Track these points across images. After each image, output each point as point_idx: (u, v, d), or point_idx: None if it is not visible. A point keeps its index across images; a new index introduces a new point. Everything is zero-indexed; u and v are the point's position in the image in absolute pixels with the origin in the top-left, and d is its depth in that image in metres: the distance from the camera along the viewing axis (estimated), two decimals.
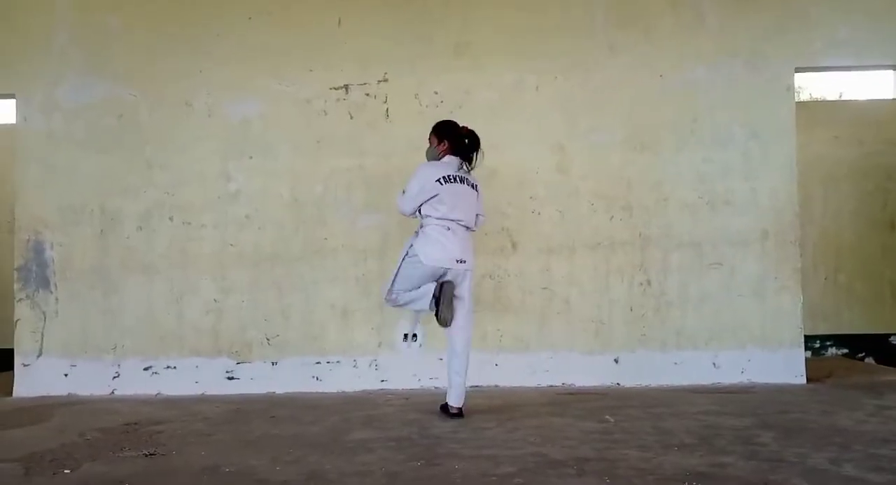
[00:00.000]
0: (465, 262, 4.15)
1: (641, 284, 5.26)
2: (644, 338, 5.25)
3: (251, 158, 5.34)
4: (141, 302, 5.29)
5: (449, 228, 4.13)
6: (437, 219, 4.13)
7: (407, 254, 4.16)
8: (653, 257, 5.26)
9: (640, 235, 5.27)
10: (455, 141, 4.26)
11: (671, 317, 5.24)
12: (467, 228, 4.21)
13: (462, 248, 4.15)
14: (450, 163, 4.23)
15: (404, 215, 4.29)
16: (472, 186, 4.23)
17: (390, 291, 4.21)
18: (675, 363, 5.22)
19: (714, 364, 5.23)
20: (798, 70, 5.38)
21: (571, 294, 5.26)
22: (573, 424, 3.95)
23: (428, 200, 4.11)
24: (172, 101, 5.36)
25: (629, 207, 5.27)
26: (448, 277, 4.13)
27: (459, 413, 4.16)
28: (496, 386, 5.23)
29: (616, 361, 5.25)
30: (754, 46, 5.32)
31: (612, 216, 5.27)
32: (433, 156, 4.30)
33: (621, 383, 5.22)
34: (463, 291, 4.20)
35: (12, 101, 5.52)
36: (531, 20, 5.34)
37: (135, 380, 5.25)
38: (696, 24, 5.34)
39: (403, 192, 4.22)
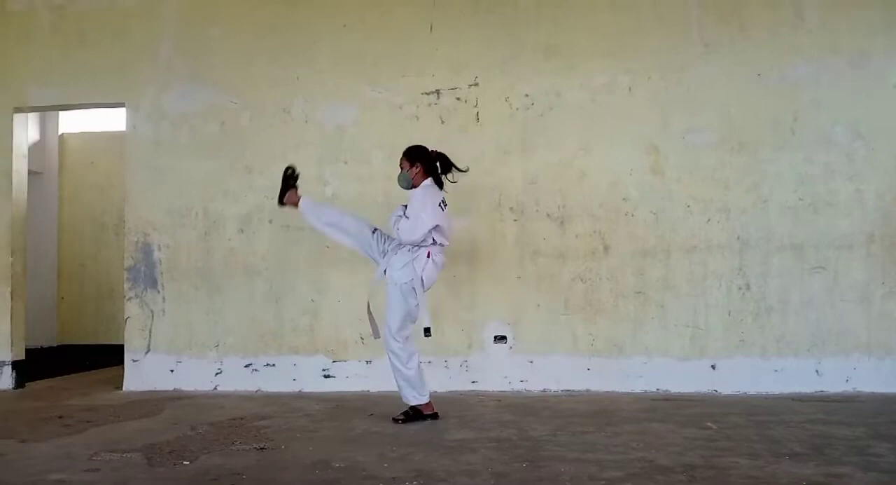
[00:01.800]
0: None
1: (740, 288, 5.13)
2: (742, 344, 5.12)
3: (346, 162, 5.48)
4: (242, 302, 5.50)
5: (439, 250, 4.27)
6: (440, 245, 4.24)
7: (406, 288, 4.19)
8: (752, 261, 5.12)
9: (738, 237, 5.14)
10: (428, 164, 4.29)
11: (771, 322, 5.09)
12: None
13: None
14: (437, 188, 4.27)
15: (410, 242, 4.19)
16: (446, 207, 4.30)
17: (402, 329, 4.25)
18: (776, 370, 5.07)
19: (817, 372, 5.05)
20: None
21: (666, 298, 5.17)
22: (675, 430, 3.90)
23: (435, 226, 4.17)
24: (271, 108, 5.55)
25: (726, 208, 5.15)
26: None
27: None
28: (588, 390, 5.19)
29: (713, 367, 5.13)
30: (857, 43, 5.12)
31: (709, 219, 5.16)
32: (406, 180, 4.30)
33: (718, 390, 5.10)
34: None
35: (122, 110, 5.83)
36: (623, 20, 5.29)
37: (236, 376, 5.46)
38: (795, 20, 5.17)
39: (407, 217, 4.20)
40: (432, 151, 4.36)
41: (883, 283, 5.02)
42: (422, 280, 4.19)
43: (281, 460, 3.37)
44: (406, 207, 4.29)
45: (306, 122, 5.55)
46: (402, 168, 4.34)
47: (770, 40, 5.18)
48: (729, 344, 5.12)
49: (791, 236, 5.09)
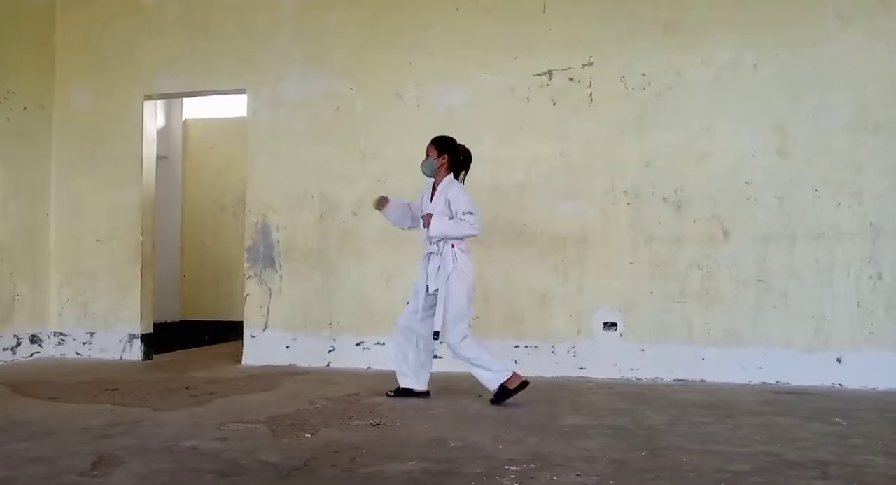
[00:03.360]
0: None
1: (871, 277, 4.82)
2: (872, 336, 4.81)
3: None
4: (354, 282, 5.65)
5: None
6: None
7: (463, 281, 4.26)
8: (885, 249, 4.80)
9: (870, 224, 4.82)
10: (454, 157, 4.31)
11: None
12: None
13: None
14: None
15: (476, 235, 4.32)
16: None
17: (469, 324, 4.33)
18: None
19: None
20: None
21: (790, 287, 4.92)
22: (801, 424, 3.71)
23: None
24: (384, 93, 5.64)
25: (858, 193, 4.84)
26: None
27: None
28: (703, 381, 5.03)
29: (839, 360, 4.85)
30: None
31: (839, 203, 4.86)
32: (431, 168, 4.35)
33: (844, 384, 4.82)
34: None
35: (240, 97, 6.07)
36: None
37: (348, 354, 5.62)
38: None
39: (472, 213, 4.26)
40: (460, 145, 4.38)
41: None
42: (470, 272, 4.36)
43: (398, 437, 3.44)
44: (436, 200, 4.34)
45: (418, 106, 5.60)
46: (428, 155, 4.40)
47: None
48: (857, 336, 4.82)
49: None
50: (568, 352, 5.31)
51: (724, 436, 3.45)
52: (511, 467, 2.91)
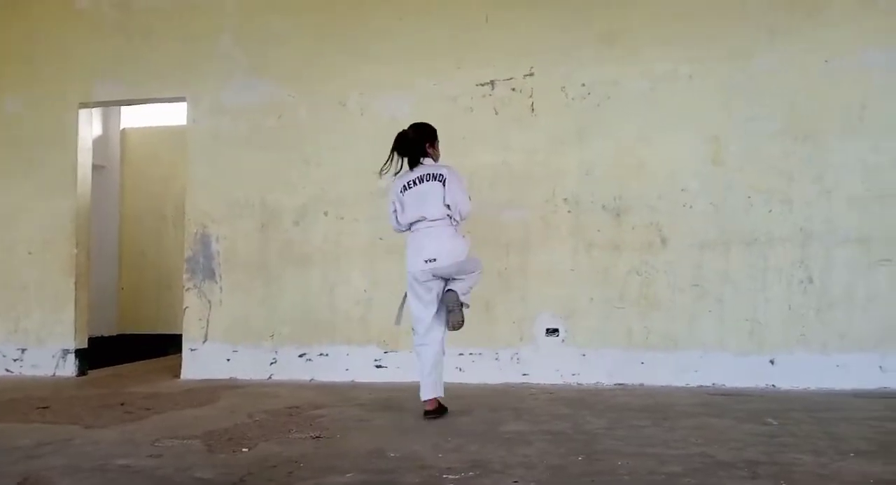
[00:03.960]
0: (434, 259, 4.01)
1: (801, 282, 4.98)
2: (803, 339, 4.97)
3: None
4: (297, 292, 5.58)
5: (417, 231, 4.12)
6: (407, 228, 4.16)
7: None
8: (815, 254, 4.97)
9: (801, 230, 4.98)
10: (398, 150, 4.16)
11: (834, 317, 4.93)
12: (439, 221, 4.06)
13: (435, 247, 4.03)
14: (407, 171, 4.16)
15: (399, 232, 4.30)
16: (436, 177, 4.07)
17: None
18: (838, 366, 4.91)
19: (881, 368, 4.87)
20: None
21: (725, 292, 5.05)
22: (734, 425, 3.81)
23: (399, 212, 4.15)
24: (328, 101, 5.61)
25: (789, 200, 5.00)
26: (434, 281, 4.09)
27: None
28: (642, 385, 5.11)
29: (772, 362, 5.00)
30: None
31: (771, 210, 5.01)
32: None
33: (777, 386, 4.97)
34: (454, 276, 4.08)
35: (182, 105, 5.97)
36: (685, 6, 5.17)
37: (290, 366, 5.55)
38: (866, 4, 4.97)
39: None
40: (400, 132, 4.26)
41: None
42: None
43: (337, 449, 3.41)
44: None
45: (362, 114, 5.58)
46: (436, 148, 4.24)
47: (839, 25, 4.99)
48: (789, 339, 4.98)
49: (857, 229, 4.92)
50: (511, 358, 5.34)
51: (660, 438, 3.52)
52: (449, 476, 2.90)
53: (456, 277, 4.12)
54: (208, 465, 3.15)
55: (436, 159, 4.26)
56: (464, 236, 4.16)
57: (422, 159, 4.19)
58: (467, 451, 3.31)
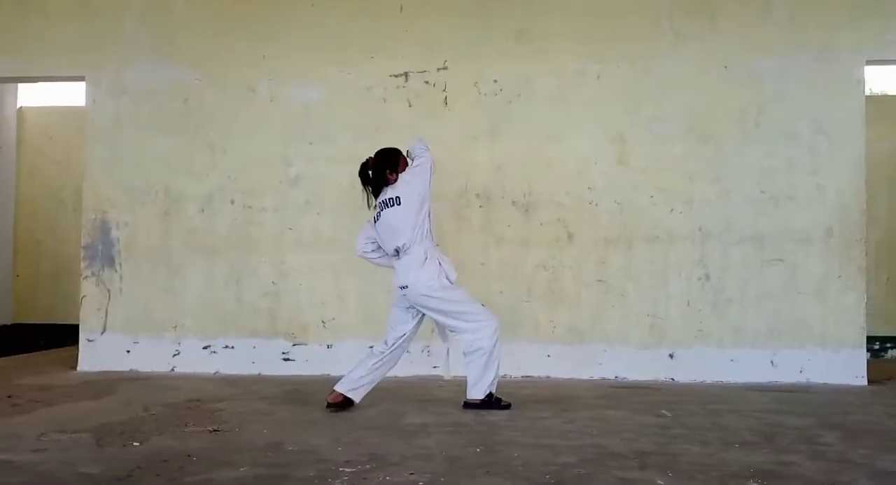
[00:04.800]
0: (406, 286, 4.02)
1: (700, 279, 5.18)
2: (701, 334, 5.18)
3: (311, 143, 5.40)
4: (202, 283, 5.42)
5: (392, 258, 4.11)
6: (394, 255, 4.10)
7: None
8: (712, 252, 5.18)
9: (699, 228, 5.18)
10: (364, 182, 4.16)
11: (729, 313, 5.16)
12: (413, 246, 4.01)
13: (404, 272, 4.03)
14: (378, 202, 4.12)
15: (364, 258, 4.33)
16: (395, 202, 4.02)
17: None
18: (732, 360, 5.14)
19: (772, 363, 5.13)
20: (869, 63, 5.22)
21: (627, 287, 5.20)
22: (630, 417, 3.93)
23: (380, 243, 4.14)
24: (236, 86, 5.45)
25: (690, 200, 5.19)
26: (414, 308, 4.10)
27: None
28: (548, 377, 5.21)
29: (671, 356, 5.19)
30: (824, 38, 5.17)
31: (672, 209, 5.19)
32: None
33: (675, 379, 5.16)
34: (430, 313, 4.06)
35: (83, 84, 5.68)
36: (595, 7, 5.28)
37: (194, 358, 5.38)
38: (763, 14, 5.21)
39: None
40: (362, 163, 4.19)
41: (839, 276, 5.10)
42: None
43: (234, 443, 3.33)
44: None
45: (272, 101, 5.46)
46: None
47: (738, 33, 5.21)
48: (687, 334, 5.17)
49: (752, 229, 5.15)
50: (422, 351, 5.33)
51: (558, 430, 3.60)
52: (346, 469, 2.88)
53: (442, 321, 4.08)
54: (95, 460, 3.03)
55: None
56: (440, 263, 4.02)
57: (384, 188, 4.10)
58: (367, 444, 3.29)
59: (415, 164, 4.14)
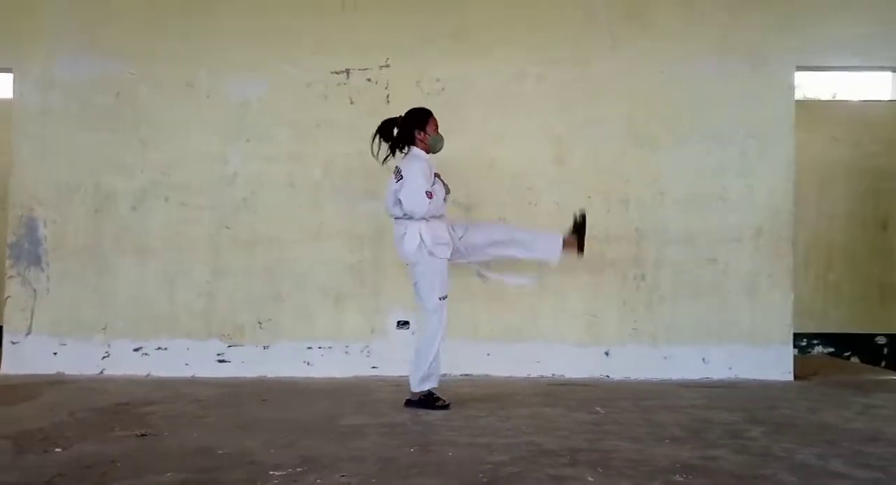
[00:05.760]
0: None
1: (635, 278, 5.28)
2: (635, 332, 5.28)
3: (249, 140, 5.30)
4: (133, 282, 5.26)
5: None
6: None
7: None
8: (648, 252, 5.28)
9: (635, 229, 5.28)
10: (384, 137, 4.23)
11: (663, 312, 5.27)
12: (398, 219, 4.18)
13: (397, 242, 4.21)
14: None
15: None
16: (396, 172, 4.16)
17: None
18: (665, 358, 5.25)
19: (703, 360, 5.26)
20: (799, 69, 5.40)
21: (565, 287, 5.26)
22: (565, 414, 3.98)
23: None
24: (171, 81, 5.31)
25: (626, 200, 5.28)
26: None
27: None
28: (487, 376, 5.24)
29: (607, 354, 5.27)
30: (755, 44, 5.33)
31: (609, 210, 5.27)
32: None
33: (611, 376, 5.24)
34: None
35: (9, 76, 5.46)
36: (535, 9, 5.32)
37: (125, 360, 5.23)
38: (697, 19, 5.33)
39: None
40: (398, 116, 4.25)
41: (769, 275, 5.26)
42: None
43: (161, 447, 3.25)
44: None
45: (208, 96, 5.34)
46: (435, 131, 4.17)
47: (673, 38, 5.32)
48: (622, 332, 5.26)
49: (685, 229, 5.27)
50: (361, 351, 5.31)
51: (494, 428, 3.62)
52: (276, 472, 2.84)
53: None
54: (13, 467, 2.92)
55: (425, 147, 4.18)
56: (421, 237, 4.06)
57: (405, 148, 4.17)
58: (300, 446, 3.25)
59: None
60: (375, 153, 4.21)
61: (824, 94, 7.41)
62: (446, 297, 4.16)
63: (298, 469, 2.88)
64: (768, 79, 5.32)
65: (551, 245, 4.31)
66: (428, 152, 4.24)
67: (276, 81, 5.31)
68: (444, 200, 4.25)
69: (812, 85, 7.45)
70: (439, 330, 4.12)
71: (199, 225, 5.27)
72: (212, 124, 5.30)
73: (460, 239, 4.24)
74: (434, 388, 4.14)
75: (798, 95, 7.12)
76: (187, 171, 5.28)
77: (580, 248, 4.31)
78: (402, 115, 4.25)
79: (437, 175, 4.24)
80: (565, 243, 4.33)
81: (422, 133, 4.17)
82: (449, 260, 4.20)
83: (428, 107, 5.27)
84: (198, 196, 5.28)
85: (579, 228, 4.33)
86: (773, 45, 5.32)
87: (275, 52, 5.32)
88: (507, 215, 5.28)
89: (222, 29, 5.31)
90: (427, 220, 4.10)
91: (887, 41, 5.37)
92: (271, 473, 2.83)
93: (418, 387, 4.13)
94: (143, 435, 3.44)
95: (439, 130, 4.26)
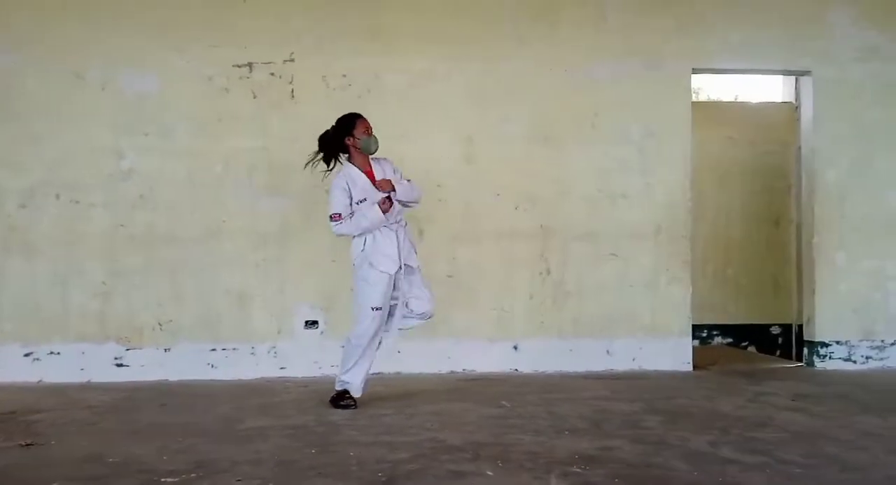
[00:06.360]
0: None
1: (542, 273, 5.38)
2: (543, 326, 5.37)
3: (146, 135, 5.10)
4: (22, 284, 4.98)
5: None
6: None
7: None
8: (553, 248, 5.38)
9: (541, 226, 5.37)
10: (322, 150, 4.22)
11: (568, 306, 5.38)
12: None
13: None
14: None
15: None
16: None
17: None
18: (571, 350, 5.37)
19: (608, 352, 5.40)
20: (695, 71, 5.62)
21: (475, 282, 5.31)
22: (472, 409, 4.01)
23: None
24: (62, 73, 5.05)
25: (532, 198, 5.36)
26: None
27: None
28: (398, 373, 5.22)
29: (515, 347, 5.34)
30: (654, 46, 5.51)
31: (517, 207, 5.34)
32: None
33: (520, 370, 5.32)
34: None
35: None
36: (443, 8, 5.33)
37: (14, 366, 4.93)
38: (599, 21, 5.47)
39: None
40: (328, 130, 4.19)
41: (667, 269, 5.46)
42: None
43: (47, 457, 3.08)
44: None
45: (103, 89, 5.10)
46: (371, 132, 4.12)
47: (576, 39, 5.44)
48: (530, 326, 5.35)
49: (589, 226, 5.40)
50: (268, 352, 5.19)
51: (399, 426, 3.60)
52: (169, 479, 2.73)
53: None
54: None
55: (359, 151, 4.13)
56: (363, 247, 4.08)
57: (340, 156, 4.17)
58: (196, 451, 3.14)
59: (405, 179, 4.21)
60: (309, 166, 4.18)
61: (727, 96, 7.72)
62: (380, 309, 4.07)
63: (192, 475, 2.78)
64: (667, 80, 5.51)
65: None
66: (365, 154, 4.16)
67: (175, 74, 5.13)
68: (407, 205, 4.21)
69: (716, 87, 7.73)
70: (365, 336, 4.05)
71: (92, 223, 5.03)
72: (106, 118, 5.07)
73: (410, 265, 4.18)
74: (348, 386, 4.09)
75: (703, 97, 7.46)
76: (80, 166, 5.03)
77: None
78: (332, 126, 4.16)
79: (380, 183, 4.11)
80: None
81: (351, 138, 4.11)
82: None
83: (335, 102, 5.25)
84: (91, 193, 5.04)
85: None
86: (671, 48, 5.52)
87: (173, 43, 5.13)
88: (416, 213, 5.26)
89: (117, 18, 5.09)
90: (379, 231, 4.08)
91: (777, 46, 5.65)
92: (163, 480, 2.73)
93: (336, 384, 4.11)
94: (28, 445, 3.25)
95: (372, 131, 4.15)
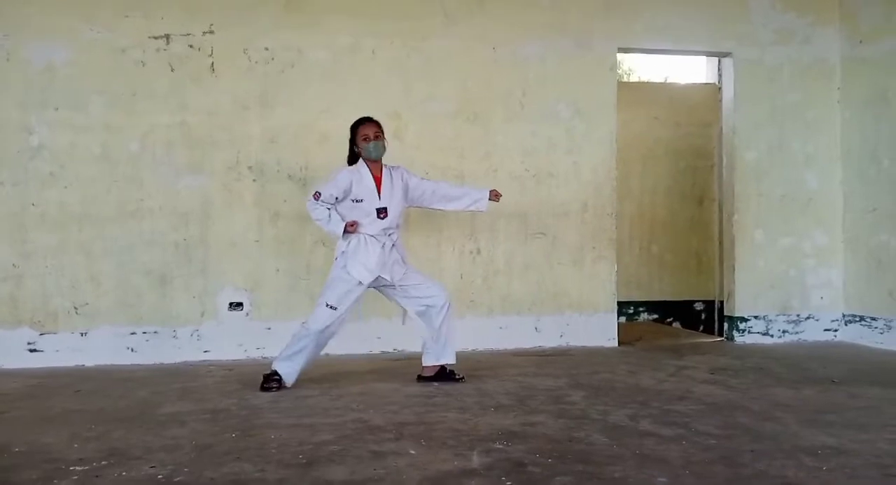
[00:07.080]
0: None
1: (471, 252, 5.38)
2: (473, 304, 5.39)
3: (57, 109, 4.84)
4: None
5: None
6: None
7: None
8: (482, 227, 5.39)
9: None
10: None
11: (498, 284, 5.41)
12: None
13: None
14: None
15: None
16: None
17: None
18: (501, 328, 5.41)
19: (536, 329, 5.47)
20: (620, 50, 5.67)
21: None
22: (398, 389, 3.99)
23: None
24: None
25: (461, 176, 5.34)
26: None
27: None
28: (327, 355, 5.11)
29: None
30: (582, 25, 5.54)
31: None
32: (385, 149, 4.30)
33: None
34: None
35: None
36: None
37: None
38: (528, 1, 5.45)
39: None
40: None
41: (593, 247, 5.54)
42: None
43: None
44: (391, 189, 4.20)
45: (8, 60, 4.81)
46: (378, 136, 4.16)
47: (505, 16, 5.42)
48: (461, 304, 5.34)
49: (517, 204, 5.42)
50: (191, 335, 5.05)
51: (322, 407, 3.55)
52: (77, 468, 2.63)
53: None
54: None
55: (360, 154, 4.19)
56: (344, 250, 4.09)
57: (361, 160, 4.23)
58: (109, 438, 3.03)
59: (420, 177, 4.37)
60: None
61: (658, 78, 7.84)
62: (336, 309, 4.04)
63: (103, 463, 2.68)
64: (593, 59, 5.56)
65: None
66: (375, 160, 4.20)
67: (86, 45, 4.88)
68: (400, 215, 4.25)
69: (647, 69, 7.86)
70: (313, 328, 4.03)
71: (0, 203, 4.76)
72: (12, 91, 4.79)
73: (400, 278, 4.17)
74: (279, 371, 4.02)
75: (633, 78, 7.58)
76: None
77: None
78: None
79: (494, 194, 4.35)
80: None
81: (356, 147, 4.16)
82: (375, 288, 4.19)
83: (257, 76, 5.11)
84: None
85: None
86: (597, 27, 5.55)
87: (83, 12, 4.87)
88: None
89: None
90: (366, 237, 4.08)
91: (700, 28, 5.76)
92: (72, 468, 2.62)
93: (273, 364, 4.07)
94: None
95: (379, 135, 4.18)
